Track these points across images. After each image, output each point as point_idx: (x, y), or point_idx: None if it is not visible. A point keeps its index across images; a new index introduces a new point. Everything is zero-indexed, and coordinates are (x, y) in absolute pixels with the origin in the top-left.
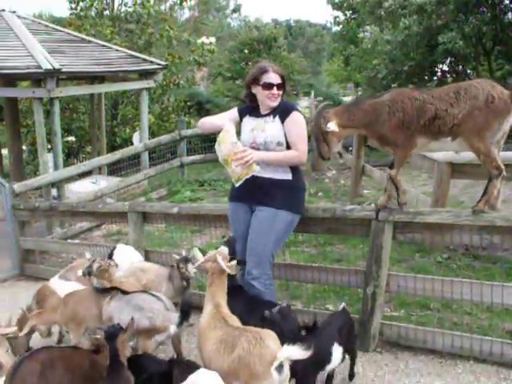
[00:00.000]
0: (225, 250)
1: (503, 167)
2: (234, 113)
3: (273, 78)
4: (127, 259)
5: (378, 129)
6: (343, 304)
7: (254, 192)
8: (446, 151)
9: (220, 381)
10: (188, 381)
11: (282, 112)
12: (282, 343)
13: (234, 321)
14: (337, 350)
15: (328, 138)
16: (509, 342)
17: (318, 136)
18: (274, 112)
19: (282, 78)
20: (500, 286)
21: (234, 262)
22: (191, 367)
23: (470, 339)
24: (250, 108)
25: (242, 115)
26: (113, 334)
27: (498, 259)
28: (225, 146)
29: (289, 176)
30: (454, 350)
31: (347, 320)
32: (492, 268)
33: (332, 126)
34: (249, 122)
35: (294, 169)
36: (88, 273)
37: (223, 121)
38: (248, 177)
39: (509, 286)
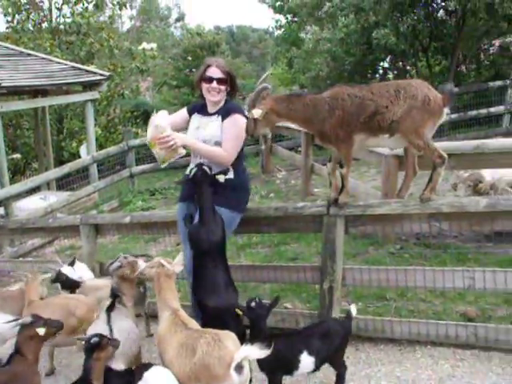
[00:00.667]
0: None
1: (446, 155)
2: (183, 112)
3: (214, 72)
4: (78, 277)
5: (318, 126)
6: (352, 308)
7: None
8: (381, 148)
9: (172, 376)
10: (143, 378)
11: (225, 112)
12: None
13: (194, 324)
14: (306, 359)
15: (256, 120)
16: (462, 323)
17: (250, 114)
18: (218, 111)
19: (229, 74)
20: (451, 272)
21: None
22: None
23: (427, 325)
24: (200, 106)
25: (190, 113)
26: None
27: (448, 246)
28: (150, 129)
29: (231, 175)
30: (411, 337)
31: (334, 331)
32: (443, 255)
33: (257, 113)
34: (196, 119)
35: (237, 169)
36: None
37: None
38: (173, 160)
39: (459, 271)
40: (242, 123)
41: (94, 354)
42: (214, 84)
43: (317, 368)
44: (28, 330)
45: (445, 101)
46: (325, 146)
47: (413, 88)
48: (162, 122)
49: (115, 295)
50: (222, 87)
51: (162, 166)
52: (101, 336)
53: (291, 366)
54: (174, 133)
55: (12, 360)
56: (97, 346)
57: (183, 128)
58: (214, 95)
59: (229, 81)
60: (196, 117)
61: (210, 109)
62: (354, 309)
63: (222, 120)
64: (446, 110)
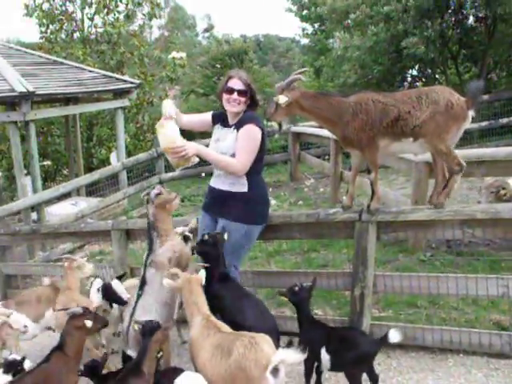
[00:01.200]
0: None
1: (464, 164)
2: (207, 116)
3: (236, 83)
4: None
5: (341, 128)
6: (392, 334)
7: (215, 203)
8: (406, 153)
9: (204, 382)
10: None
11: (240, 123)
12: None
13: (226, 328)
14: (324, 355)
15: (279, 105)
16: (496, 332)
17: (275, 95)
18: (236, 124)
19: (249, 86)
20: (484, 279)
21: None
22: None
23: (459, 333)
24: (222, 115)
25: (214, 121)
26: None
27: (481, 254)
28: (161, 137)
29: (244, 188)
30: (444, 345)
31: (358, 341)
32: (475, 263)
33: (282, 99)
34: (217, 131)
35: (250, 181)
36: (146, 200)
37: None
38: (188, 165)
39: (492, 278)
40: (256, 133)
41: (152, 337)
42: (235, 95)
43: (333, 369)
44: (77, 320)
45: (469, 104)
46: (349, 151)
47: (434, 94)
48: (171, 111)
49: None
50: (242, 99)
51: (177, 170)
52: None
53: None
54: (186, 143)
55: (51, 356)
56: (154, 330)
57: (200, 128)
58: (234, 106)
59: (249, 94)
60: (217, 129)
61: (230, 120)
62: (394, 334)
63: (237, 131)
64: (471, 113)
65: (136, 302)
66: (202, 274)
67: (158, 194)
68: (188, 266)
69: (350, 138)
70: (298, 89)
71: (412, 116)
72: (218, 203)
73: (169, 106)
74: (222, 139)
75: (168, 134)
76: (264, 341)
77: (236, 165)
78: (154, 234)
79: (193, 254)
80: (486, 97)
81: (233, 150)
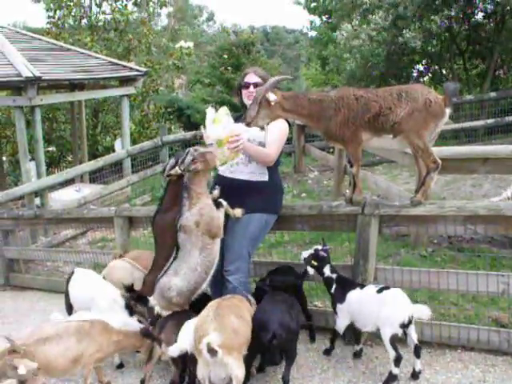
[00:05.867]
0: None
1: (440, 161)
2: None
3: (251, 78)
4: (88, 285)
5: (324, 123)
6: None
7: (232, 194)
8: (386, 148)
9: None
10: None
11: None
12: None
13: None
14: None
15: (262, 108)
16: (495, 329)
17: (257, 98)
18: None
19: (265, 80)
20: (485, 276)
21: None
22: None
23: (458, 328)
24: (236, 117)
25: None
26: None
27: (482, 251)
28: (222, 127)
29: (265, 177)
30: (442, 340)
31: None
32: (476, 260)
33: (272, 96)
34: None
35: (271, 170)
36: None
37: None
38: (232, 161)
39: (493, 275)
40: (283, 126)
41: None
42: (251, 88)
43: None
44: None
45: (446, 101)
46: (332, 145)
47: (414, 91)
48: (231, 120)
49: None
50: None
51: (220, 167)
52: None
53: None
54: (241, 135)
55: None
56: None
57: None
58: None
59: None
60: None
61: None
62: None
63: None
64: (448, 111)
65: (170, 264)
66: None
67: (193, 161)
68: (220, 232)
69: (333, 133)
70: (278, 91)
71: (393, 112)
72: (236, 193)
73: (230, 118)
74: (242, 131)
75: (228, 125)
76: None
77: (270, 155)
78: (185, 195)
79: None
80: (493, 94)
81: (260, 138)
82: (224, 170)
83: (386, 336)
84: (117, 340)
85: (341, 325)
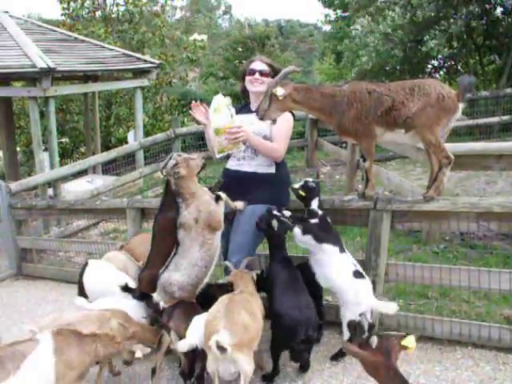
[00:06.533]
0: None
1: (452, 157)
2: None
3: (257, 65)
4: (102, 276)
5: (337, 118)
6: None
7: (239, 186)
8: (399, 143)
9: None
10: None
11: None
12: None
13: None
14: None
15: (273, 101)
16: (506, 327)
17: (268, 91)
18: None
19: (271, 67)
20: (497, 273)
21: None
22: None
23: (469, 325)
24: (240, 108)
25: (236, 113)
26: None
27: (494, 248)
28: (221, 116)
29: (272, 169)
30: (452, 337)
31: None
32: (488, 257)
33: (280, 91)
34: (238, 117)
35: (278, 163)
36: (164, 174)
37: None
38: (231, 152)
39: (506, 272)
40: (290, 119)
41: None
42: (257, 75)
43: None
44: None
45: (459, 96)
46: (345, 139)
47: (427, 86)
48: (232, 110)
49: None
50: (265, 78)
51: (218, 156)
52: None
53: None
54: (242, 126)
55: None
56: None
57: None
58: (257, 86)
59: (272, 74)
60: (239, 115)
61: (253, 106)
62: None
63: None
64: (462, 106)
65: (171, 259)
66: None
67: (176, 165)
68: (220, 225)
69: (346, 127)
70: (290, 84)
71: (405, 107)
72: (242, 185)
73: (229, 108)
74: (247, 123)
75: (228, 114)
76: None
77: (279, 150)
78: (179, 199)
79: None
80: (509, 90)
81: (265, 131)
82: (231, 164)
83: (345, 318)
84: (134, 331)
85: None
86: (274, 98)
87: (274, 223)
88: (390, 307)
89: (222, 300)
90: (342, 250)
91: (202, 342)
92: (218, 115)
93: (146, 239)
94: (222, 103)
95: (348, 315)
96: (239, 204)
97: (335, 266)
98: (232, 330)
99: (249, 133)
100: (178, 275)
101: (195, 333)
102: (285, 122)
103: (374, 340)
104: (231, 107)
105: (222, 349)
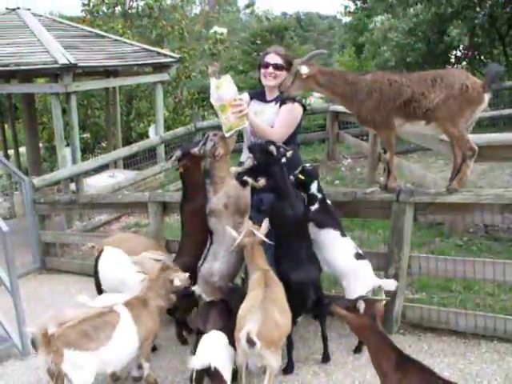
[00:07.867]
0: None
1: (476, 148)
2: (245, 95)
3: (271, 58)
4: (117, 265)
5: (356, 106)
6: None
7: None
8: (420, 133)
9: None
10: None
11: (283, 100)
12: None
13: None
14: None
15: (296, 78)
16: None
17: (294, 70)
18: (276, 99)
19: (286, 60)
20: None
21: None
22: None
23: (494, 319)
24: (259, 93)
25: (251, 97)
26: None
27: None
28: (226, 91)
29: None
30: (477, 331)
31: None
32: None
33: (304, 69)
34: (253, 105)
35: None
36: (203, 153)
37: None
38: (238, 129)
39: None
40: (298, 110)
41: None
42: (270, 69)
43: None
44: None
45: (485, 86)
46: (366, 128)
47: (450, 77)
48: (235, 87)
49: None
50: (278, 72)
51: (227, 134)
52: None
53: None
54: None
55: None
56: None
57: None
58: (270, 80)
59: (286, 68)
60: (254, 103)
61: (268, 96)
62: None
63: (280, 106)
64: (488, 96)
65: (208, 249)
66: (265, 227)
67: (214, 146)
68: (248, 208)
69: (364, 117)
70: (316, 65)
71: (426, 98)
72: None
73: (232, 84)
74: (259, 113)
75: (231, 88)
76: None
77: (274, 133)
78: (208, 181)
79: None
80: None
81: (273, 121)
82: (243, 157)
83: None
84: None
85: None
86: (298, 75)
87: (272, 148)
88: (390, 283)
89: (257, 295)
90: (343, 234)
91: (214, 361)
92: (220, 91)
93: (123, 240)
94: (223, 79)
95: (352, 296)
96: (262, 182)
97: (337, 249)
98: (264, 326)
99: (248, 110)
100: (218, 264)
101: (206, 352)
102: (287, 112)
103: (362, 305)
104: (232, 83)
105: (251, 342)
